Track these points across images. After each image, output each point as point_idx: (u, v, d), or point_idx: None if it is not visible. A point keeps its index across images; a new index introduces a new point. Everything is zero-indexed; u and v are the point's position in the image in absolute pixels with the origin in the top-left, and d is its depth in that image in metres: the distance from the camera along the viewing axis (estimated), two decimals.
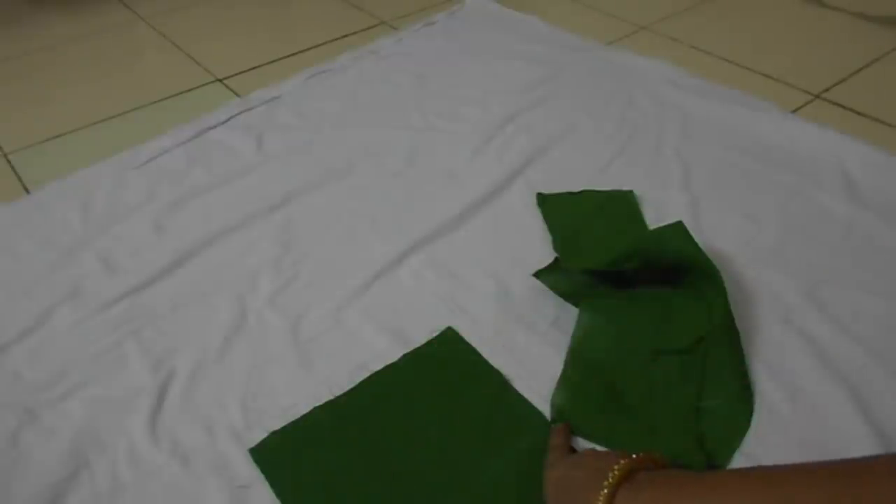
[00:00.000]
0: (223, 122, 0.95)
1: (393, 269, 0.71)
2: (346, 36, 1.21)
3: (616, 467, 0.42)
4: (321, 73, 1.05)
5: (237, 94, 1.05)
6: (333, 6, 1.32)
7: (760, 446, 0.53)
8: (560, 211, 0.76)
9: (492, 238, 0.74)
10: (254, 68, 1.12)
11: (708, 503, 0.38)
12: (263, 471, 0.54)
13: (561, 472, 0.47)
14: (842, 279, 0.66)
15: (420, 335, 0.63)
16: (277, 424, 0.57)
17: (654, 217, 0.74)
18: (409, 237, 0.74)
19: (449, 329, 0.64)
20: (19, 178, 0.90)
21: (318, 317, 0.66)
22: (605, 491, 0.41)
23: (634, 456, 0.44)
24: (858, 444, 0.52)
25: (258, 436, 0.56)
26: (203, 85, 1.09)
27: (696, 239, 0.62)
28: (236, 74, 1.11)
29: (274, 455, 0.55)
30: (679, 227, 0.64)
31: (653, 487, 0.41)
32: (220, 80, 1.10)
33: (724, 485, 0.39)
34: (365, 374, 0.60)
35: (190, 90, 1.08)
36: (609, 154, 0.84)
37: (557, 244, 0.72)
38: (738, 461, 0.52)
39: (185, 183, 0.85)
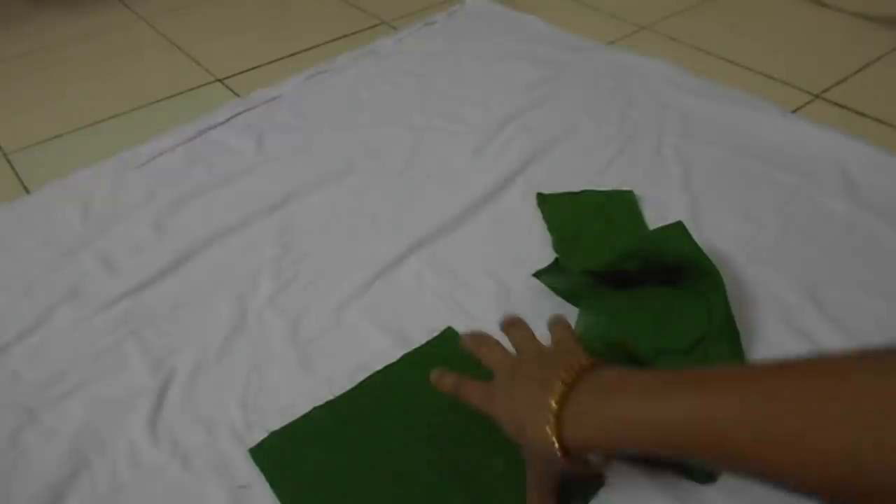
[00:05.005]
0: (223, 122, 0.95)
1: (393, 268, 0.71)
2: (346, 36, 1.21)
3: (554, 392, 0.41)
4: (321, 73, 1.05)
5: (237, 94, 1.05)
6: (333, 6, 1.32)
7: None
8: (560, 211, 0.76)
9: (492, 238, 0.74)
10: (254, 68, 1.12)
11: (651, 403, 0.36)
12: (263, 471, 0.54)
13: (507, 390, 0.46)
14: (842, 279, 0.66)
15: (420, 335, 0.63)
16: (277, 424, 0.57)
17: (654, 217, 0.74)
18: (409, 237, 0.74)
19: (449, 329, 0.63)
20: (19, 178, 0.90)
21: (318, 317, 0.66)
22: (554, 408, 0.39)
23: (581, 362, 0.42)
24: None
25: (258, 436, 0.56)
26: (203, 85, 1.09)
27: (696, 239, 0.62)
28: (236, 74, 1.11)
29: (274, 455, 0.55)
30: (679, 227, 0.64)
31: (588, 391, 0.40)
32: (220, 80, 1.10)
33: (670, 382, 0.36)
34: (365, 374, 0.60)
35: (190, 90, 1.08)
36: (609, 154, 0.84)
37: (557, 244, 0.72)
38: None
39: (185, 183, 0.85)
